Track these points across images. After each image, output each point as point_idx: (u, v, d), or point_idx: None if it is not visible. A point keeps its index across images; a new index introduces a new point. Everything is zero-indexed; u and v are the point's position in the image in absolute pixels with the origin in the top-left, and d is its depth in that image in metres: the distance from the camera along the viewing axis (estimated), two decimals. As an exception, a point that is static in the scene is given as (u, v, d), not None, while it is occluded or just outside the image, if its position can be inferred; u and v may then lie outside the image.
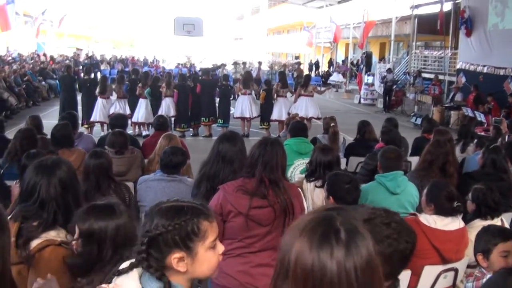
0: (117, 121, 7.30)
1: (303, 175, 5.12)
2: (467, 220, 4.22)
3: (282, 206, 3.34)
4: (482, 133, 11.46)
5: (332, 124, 7.17)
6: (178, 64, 35.10)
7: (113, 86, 14.17)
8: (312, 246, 1.32)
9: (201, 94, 14.33)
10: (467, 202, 4.33)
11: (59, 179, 2.70)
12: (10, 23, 23.73)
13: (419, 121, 16.42)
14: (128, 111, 13.60)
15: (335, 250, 1.31)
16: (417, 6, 25.06)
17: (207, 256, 1.88)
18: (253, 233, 3.36)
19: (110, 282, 1.86)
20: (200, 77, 15.62)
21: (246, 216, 3.31)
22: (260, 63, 26.02)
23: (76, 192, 2.82)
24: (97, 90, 13.65)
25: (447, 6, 22.08)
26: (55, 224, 2.64)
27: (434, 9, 23.61)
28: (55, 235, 2.61)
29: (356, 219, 1.42)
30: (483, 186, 4.25)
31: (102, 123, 13.79)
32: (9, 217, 2.56)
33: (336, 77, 31.52)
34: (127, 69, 21.78)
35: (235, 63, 28.60)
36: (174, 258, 1.82)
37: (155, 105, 14.04)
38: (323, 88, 17.60)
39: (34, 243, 2.54)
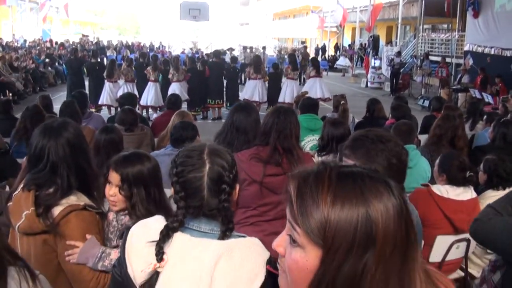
0: (127, 100, 7.33)
1: (314, 151, 5.12)
2: (479, 191, 4.23)
3: None
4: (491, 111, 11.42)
5: (342, 102, 7.17)
6: (184, 49, 35.02)
7: (121, 69, 14.20)
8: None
9: (210, 76, 14.34)
10: (479, 173, 4.34)
11: (66, 140, 2.57)
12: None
13: (426, 103, 16.35)
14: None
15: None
16: (424, -12, 24.91)
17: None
18: (267, 201, 3.37)
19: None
20: (211, 59, 15.64)
21: (260, 184, 3.32)
22: (264, 48, 26.00)
23: (86, 153, 2.70)
24: (105, 73, 13.68)
25: (455, -12, 21.94)
26: (72, 189, 2.53)
27: (442, -10, 23.46)
28: (76, 199, 2.52)
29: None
30: (495, 157, 4.26)
31: (109, 106, 13.85)
32: (20, 186, 2.55)
33: (342, 61, 31.42)
34: (132, 55, 21.73)
35: (244, 48, 28.60)
36: (236, 190, 1.97)
37: (165, 89, 14.05)
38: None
39: (57, 211, 2.45)
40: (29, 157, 2.65)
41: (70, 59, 15.72)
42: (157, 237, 1.82)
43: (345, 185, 1.07)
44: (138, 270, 1.81)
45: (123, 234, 1.99)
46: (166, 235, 1.82)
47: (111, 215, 2.66)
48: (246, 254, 1.81)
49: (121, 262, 1.87)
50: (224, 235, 1.85)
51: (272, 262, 1.78)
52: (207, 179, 1.87)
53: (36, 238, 2.48)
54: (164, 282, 1.79)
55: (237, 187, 1.98)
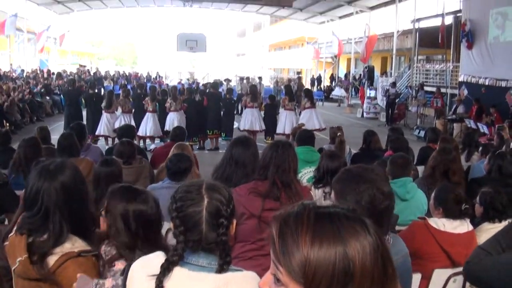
0: (125, 132, 7.34)
1: (311, 184, 5.14)
2: (475, 224, 4.24)
3: None
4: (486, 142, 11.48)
5: (339, 134, 7.21)
6: (181, 80, 35.26)
7: (119, 100, 14.27)
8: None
9: (207, 106, 14.43)
10: (475, 206, 4.36)
11: (61, 183, 2.51)
12: (5, 29, 24.50)
13: (422, 133, 16.47)
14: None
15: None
16: (418, 20, 25.18)
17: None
18: (265, 235, 3.33)
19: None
20: (208, 90, 15.79)
21: (258, 218, 3.33)
22: (260, 78, 26.22)
23: (82, 196, 2.64)
24: (103, 105, 13.75)
25: (448, 20, 22.22)
26: (63, 236, 2.46)
27: (435, 22, 23.75)
28: (71, 246, 2.46)
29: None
30: (491, 189, 4.28)
31: (106, 137, 13.87)
32: (14, 228, 2.52)
33: (338, 92, 31.69)
34: (129, 86, 21.86)
35: (241, 78, 28.84)
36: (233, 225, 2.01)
37: (162, 118, 14.12)
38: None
39: (52, 260, 2.40)
40: (24, 199, 2.60)
41: (68, 90, 15.80)
42: (157, 272, 1.86)
43: (323, 226, 1.13)
44: None
45: (123, 270, 2.01)
46: (166, 268, 1.86)
47: (102, 248, 2.66)
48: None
49: None
50: (221, 269, 1.89)
51: None
52: (206, 213, 1.92)
53: (31, 283, 2.44)
54: None
55: (234, 221, 2.03)
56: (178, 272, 1.87)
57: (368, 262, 1.11)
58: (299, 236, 1.12)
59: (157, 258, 1.95)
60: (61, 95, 20.64)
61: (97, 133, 13.73)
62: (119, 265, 2.58)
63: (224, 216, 1.95)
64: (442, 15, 20.98)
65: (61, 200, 2.49)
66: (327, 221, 1.14)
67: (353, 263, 1.09)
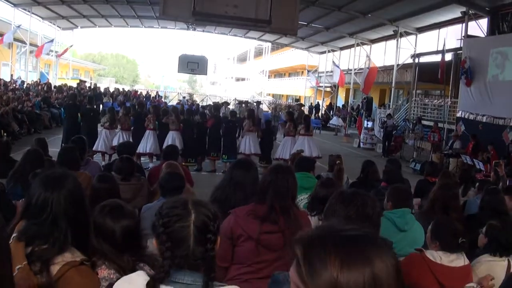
0: (125, 149, 7.31)
1: (305, 210, 5.12)
2: (475, 254, 4.26)
3: (293, 233, 3.34)
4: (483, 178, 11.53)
5: (338, 162, 7.21)
6: (180, 100, 35.39)
7: (119, 117, 14.31)
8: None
9: (210, 129, 14.56)
10: (479, 236, 4.38)
11: (68, 191, 2.54)
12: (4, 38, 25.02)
13: (418, 166, 16.54)
14: (131, 143, 13.68)
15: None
16: (418, 55, 25.48)
17: None
18: (262, 259, 3.36)
19: None
20: (215, 113, 15.91)
21: (256, 241, 3.32)
22: (258, 103, 26.36)
23: (85, 206, 2.66)
24: (103, 120, 13.78)
25: (448, 56, 22.46)
26: (67, 244, 2.46)
27: (435, 58, 24.04)
28: (71, 255, 2.45)
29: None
30: (499, 224, 4.31)
31: (103, 153, 13.85)
32: (12, 236, 2.48)
33: (335, 121, 31.82)
34: (128, 104, 21.91)
35: (240, 102, 29.00)
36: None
37: (161, 137, 14.15)
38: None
39: (54, 269, 2.38)
40: (26, 207, 2.59)
41: (69, 104, 15.84)
42: None
43: (350, 248, 1.16)
44: None
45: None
46: (153, 286, 1.85)
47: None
48: None
49: None
50: (206, 286, 1.87)
51: None
52: (194, 228, 1.91)
53: None
54: None
55: (219, 239, 2.01)
56: None
57: (391, 280, 1.14)
58: (327, 259, 1.13)
59: (139, 277, 1.93)
60: (61, 109, 20.67)
61: (94, 148, 13.70)
62: (103, 271, 2.63)
63: (211, 231, 1.93)
64: (443, 52, 21.17)
65: (69, 208, 2.51)
66: (352, 243, 1.17)
67: (381, 283, 1.12)
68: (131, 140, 13.70)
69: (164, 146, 12.51)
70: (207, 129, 14.73)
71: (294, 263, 1.20)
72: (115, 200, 2.93)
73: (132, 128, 14.54)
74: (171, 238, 1.89)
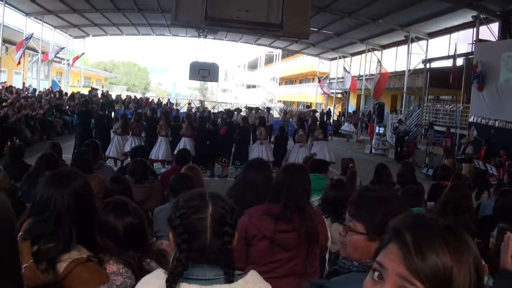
0: (138, 152, 7.35)
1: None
2: (488, 256, 4.22)
3: (307, 231, 3.35)
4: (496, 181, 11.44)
5: (350, 165, 7.19)
6: (191, 108, 35.49)
7: (131, 123, 14.42)
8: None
9: (223, 135, 14.67)
10: (490, 239, 4.34)
11: (73, 190, 2.53)
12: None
13: (430, 172, 16.43)
14: (143, 149, 13.76)
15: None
16: (429, 60, 25.38)
17: None
18: (277, 258, 3.35)
19: None
20: (228, 120, 16.01)
21: (271, 240, 3.31)
22: (268, 109, 26.39)
23: (92, 204, 2.68)
24: (116, 127, 13.88)
25: (460, 61, 22.36)
26: (72, 242, 2.46)
27: (446, 63, 23.93)
28: (78, 253, 2.45)
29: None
30: (509, 226, 4.27)
31: (116, 159, 13.92)
32: (19, 234, 2.46)
33: (347, 127, 31.76)
34: (139, 111, 22.03)
35: (250, 109, 29.03)
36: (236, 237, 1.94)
37: (173, 144, 14.23)
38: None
39: (61, 267, 2.38)
40: (33, 206, 2.59)
41: (82, 111, 15.96)
42: None
43: (456, 238, 1.18)
44: None
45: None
46: (173, 281, 1.81)
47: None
48: None
49: None
50: (230, 278, 1.85)
51: None
52: (211, 220, 1.87)
53: None
54: None
55: (236, 235, 1.97)
56: None
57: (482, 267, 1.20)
58: (439, 247, 1.15)
59: (157, 279, 1.89)
60: (74, 115, 20.83)
61: (106, 154, 13.78)
62: (111, 266, 2.62)
63: (229, 224, 1.89)
64: (454, 57, 21.07)
65: (73, 206, 2.50)
66: (457, 234, 1.20)
67: (481, 269, 1.17)
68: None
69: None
70: (219, 136, 14.80)
71: (398, 254, 1.19)
72: (119, 197, 2.93)
73: (144, 134, 14.62)
74: (187, 230, 1.85)
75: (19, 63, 27.95)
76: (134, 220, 2.75)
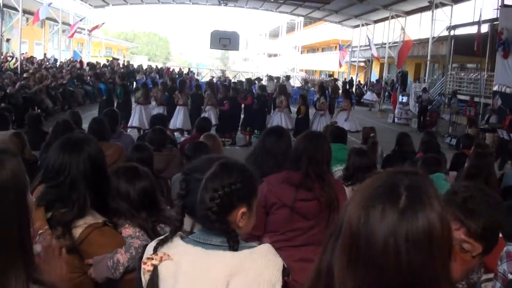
0: (157, 121, 7.37)
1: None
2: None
3: (328, 200, 3.29)
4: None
5: (372, 134, 7.11)
6: (212, 77, 35.40)
7: (153, 93, 14.47)
8: (365, 203, 1.20)
9: (247, 105, 14.77)
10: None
11: (88, 155, 2.50)
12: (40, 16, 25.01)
13: (453, 141, 16.24)
14: (166, 118, 13.83)
15: (388, 212, 1.16)
16: (454, 27, 24.84)
17: (253, 214, 1.92)
18: (296, 226, 3.31)
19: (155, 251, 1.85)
20: (255, 90, 16.03)
21: (291, 208, 3.26)
22: (287, 77, 26.19)
23: (105, 170, 2.65)
24: (138, 96, 13.95)
25: (484, 28, 21.80)
26: (86, 207, 2.44)
27: (471, 30, 23.33)
28: (93, 218, 2.45)
29: (428, 187, 1.23)
30: None
31: (139, 129, 13.98)
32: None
33: (369, 96, 31.39)
34: (159, 81, 22.00)
35: (270, 78, 28.88)
36: (242, 212, 1.85)
37: (196, 113, 14.23)
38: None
39: (76, 232, 2.37)
40: (46, 171, 2.55)
41: (123, 84, 15.98)
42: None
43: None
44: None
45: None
46: (173, 231, 1.88)
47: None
48: (262, 264, 1.80)
49: (138, 281, 1.87)
50: (234, 245, 1.82)
51: (288, 272, 1.82)
52: (204, 182, 1.82)
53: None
54: None
55: (241, 210, 1.87)
56: (194, 251, 1.81)
57: None
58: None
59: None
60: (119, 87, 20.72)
61: (129, 124, 13.85)
62: (127, 230, 2.67)
63: (222, 194, 1.79)
64: (479, 23, 20.58)
65: (88, 171, 2.48)
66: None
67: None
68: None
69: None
70: (241, 104, 14.77)
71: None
72: (130, 163, 2.97)
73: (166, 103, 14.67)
74: (185, 188, 1.87)
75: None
76: (146, 184, 2.81)
